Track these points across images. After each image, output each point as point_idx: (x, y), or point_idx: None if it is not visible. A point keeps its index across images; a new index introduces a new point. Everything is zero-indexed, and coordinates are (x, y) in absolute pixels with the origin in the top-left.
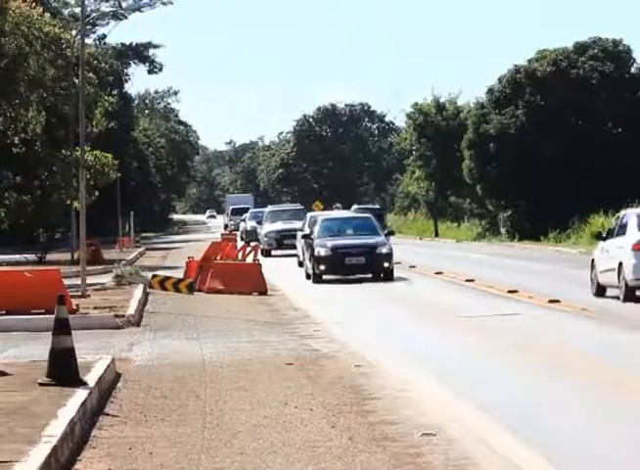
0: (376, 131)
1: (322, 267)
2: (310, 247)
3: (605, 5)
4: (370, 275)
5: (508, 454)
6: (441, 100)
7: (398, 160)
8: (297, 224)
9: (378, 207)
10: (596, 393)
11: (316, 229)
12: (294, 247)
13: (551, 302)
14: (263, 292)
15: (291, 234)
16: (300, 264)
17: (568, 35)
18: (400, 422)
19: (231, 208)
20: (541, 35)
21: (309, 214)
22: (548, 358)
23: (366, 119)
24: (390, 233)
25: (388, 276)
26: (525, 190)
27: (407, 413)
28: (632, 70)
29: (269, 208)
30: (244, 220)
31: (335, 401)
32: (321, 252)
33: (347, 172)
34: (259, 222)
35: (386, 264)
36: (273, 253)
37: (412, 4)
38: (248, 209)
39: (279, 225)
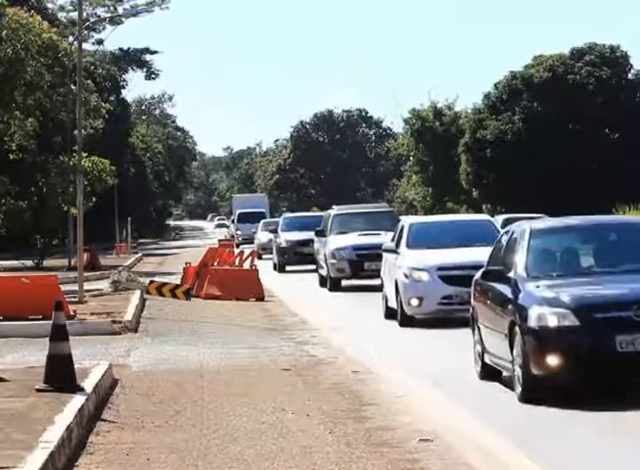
0: (373, 137)
1: (553, 362)
2: (513, 305)
3: (602, 11)
4: None
5: (506, 459)
6: (439, 105)
7: (395, 165)
8: (385, 237)
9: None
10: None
11: (520, 257)
12: (377, 274)
13: None
14: (260, 298)
15: (376, 253)
16: (390, 316)
17: (564, 41)
18: (398, 428)
19: (238, 212)
20: (537, 41)
21: (408, 222)
22: None
23: (363, 125)
24: None
25: None
26: (522, 195)
27: (404, 419)
28: (629, 75)
29: (336, 209)
30: (275, 231)
31: (332, 407)
32: (548, 318)
33: (345, 178)
34: (321, 234)
35: None
36: (344, 283)
37: (407, 10)
38: (261, 213)
39: (354, 239)
